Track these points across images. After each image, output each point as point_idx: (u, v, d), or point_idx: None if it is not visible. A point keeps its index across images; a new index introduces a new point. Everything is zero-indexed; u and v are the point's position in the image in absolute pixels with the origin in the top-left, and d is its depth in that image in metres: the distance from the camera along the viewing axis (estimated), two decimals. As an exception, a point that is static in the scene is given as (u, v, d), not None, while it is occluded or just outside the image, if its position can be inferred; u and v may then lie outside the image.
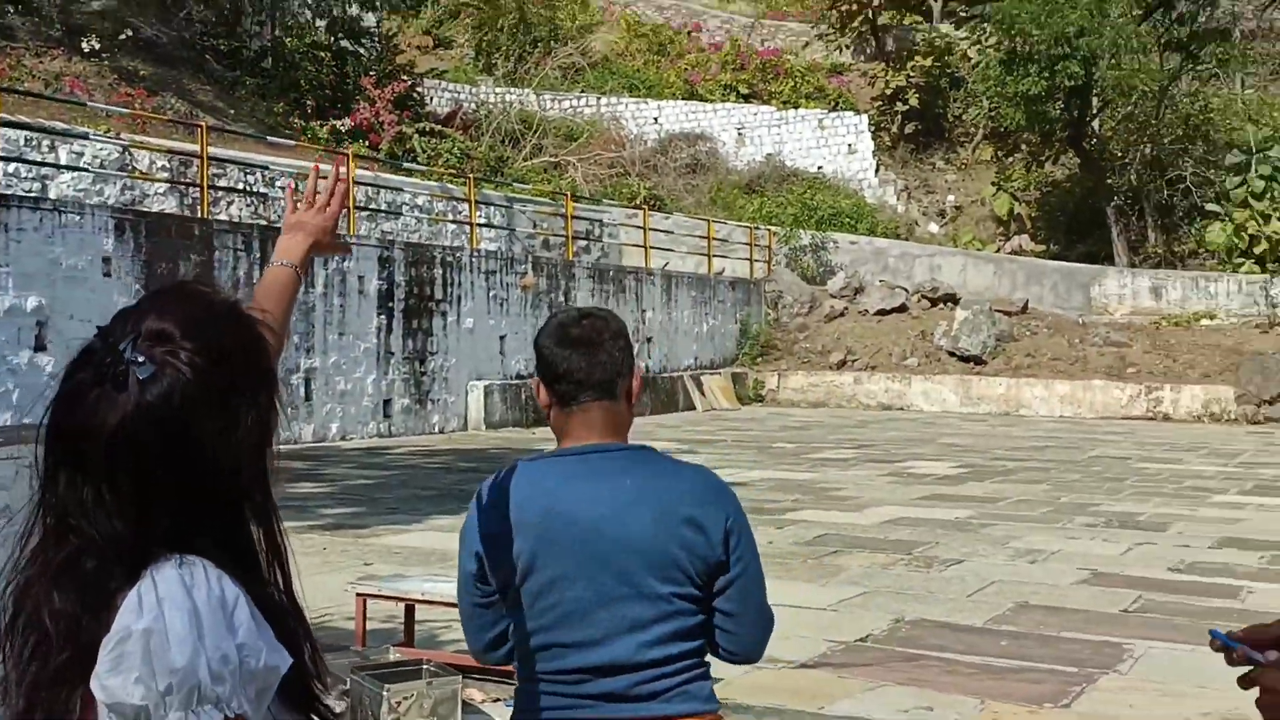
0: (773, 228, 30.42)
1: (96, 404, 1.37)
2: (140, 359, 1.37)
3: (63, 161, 17.22)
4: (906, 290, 27.68)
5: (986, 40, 30.17)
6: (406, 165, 24.33)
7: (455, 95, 34.05)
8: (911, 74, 35.73)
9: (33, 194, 15.85)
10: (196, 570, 1.38)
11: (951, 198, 35.23)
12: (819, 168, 34.81)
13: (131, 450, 1.36)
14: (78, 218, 13.99)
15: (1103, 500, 11.98)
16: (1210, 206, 28.77)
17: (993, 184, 33.13)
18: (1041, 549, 9.20)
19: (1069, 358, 24.87)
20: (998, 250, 31.64)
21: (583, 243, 26.55)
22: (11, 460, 4.72)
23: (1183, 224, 30.56)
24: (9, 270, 13.09)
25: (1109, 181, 30.01)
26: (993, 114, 31.95)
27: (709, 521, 2.38)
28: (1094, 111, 30.05)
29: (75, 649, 1.37)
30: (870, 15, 36.84)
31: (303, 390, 16.97)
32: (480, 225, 23.18)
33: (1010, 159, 33.43)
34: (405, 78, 29.67)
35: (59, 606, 1.38)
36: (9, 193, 14.52)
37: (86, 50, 22.01)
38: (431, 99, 32.76)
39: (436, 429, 19.20)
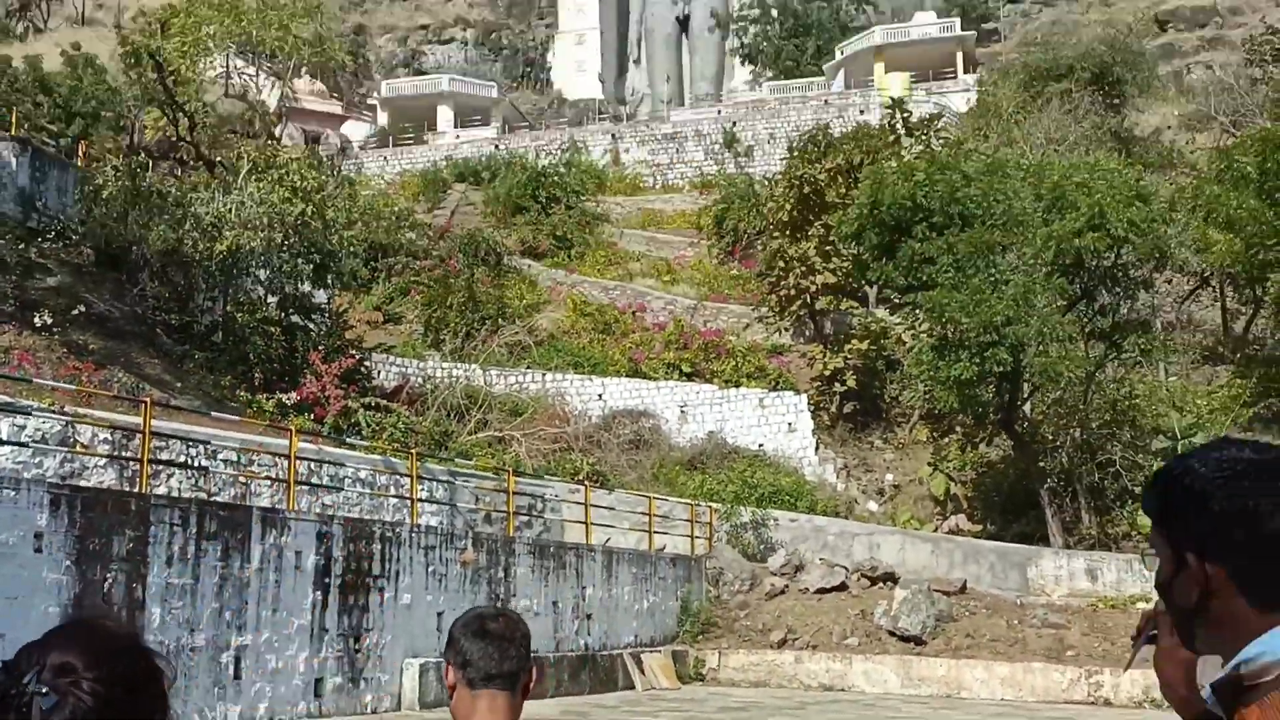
0: (714, 504, 30.69)
1: None
2: (44, 690, 1.50)
3: (3, 435, 17.27)
4: (846, 568, 27.79)
5: (919, 326, 31.34)
6: (350, 439, 24.54)
7: (403, 370, 34.68)
8: (849, 356, 36.89)
9: (-30, 467, 15.84)
10: None
11: (890, 476, 35.80)
12: (760, 445, 35.41)
13: None
14: (12, 493, 13.95)
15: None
16: (1140, 490, 29.39)
17: (929, 464, 33.77)
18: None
19: (1008, 639, 24.86)
20: (935, 529, 32.00)
21: (524, 518, 26.61)
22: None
23: (1115, 506, 31.16)
24: (-62, 545, 12.96)
25: (1041, 464, 30.70)
26: (927, 396, 32.88)
27: None
28: (1024, 396, 31.01)
29: None
30: (809, 300, 38.28)
31: (231, 669, 16.60)
32: (422, 500, 23.25)
33: (945, 440, 34.19)
34: (354, 352, 30.27)
35: None
36: (-54, 466, 14.51)
37: (38, 324, 22.38)
38: (379, 373, 33.34)
39: (370, 709, 18.74)
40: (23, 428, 17.72)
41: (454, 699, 2.97)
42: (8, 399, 18.03)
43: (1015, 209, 30.17)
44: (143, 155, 30.51)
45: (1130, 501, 30.28)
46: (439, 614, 20.67)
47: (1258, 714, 1.66)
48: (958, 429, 33.43)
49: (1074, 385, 30.24)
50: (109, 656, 1.58)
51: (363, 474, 23.63)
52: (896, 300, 33.63)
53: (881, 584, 27.21)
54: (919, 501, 34.21)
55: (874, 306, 39.94)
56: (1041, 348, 28.04)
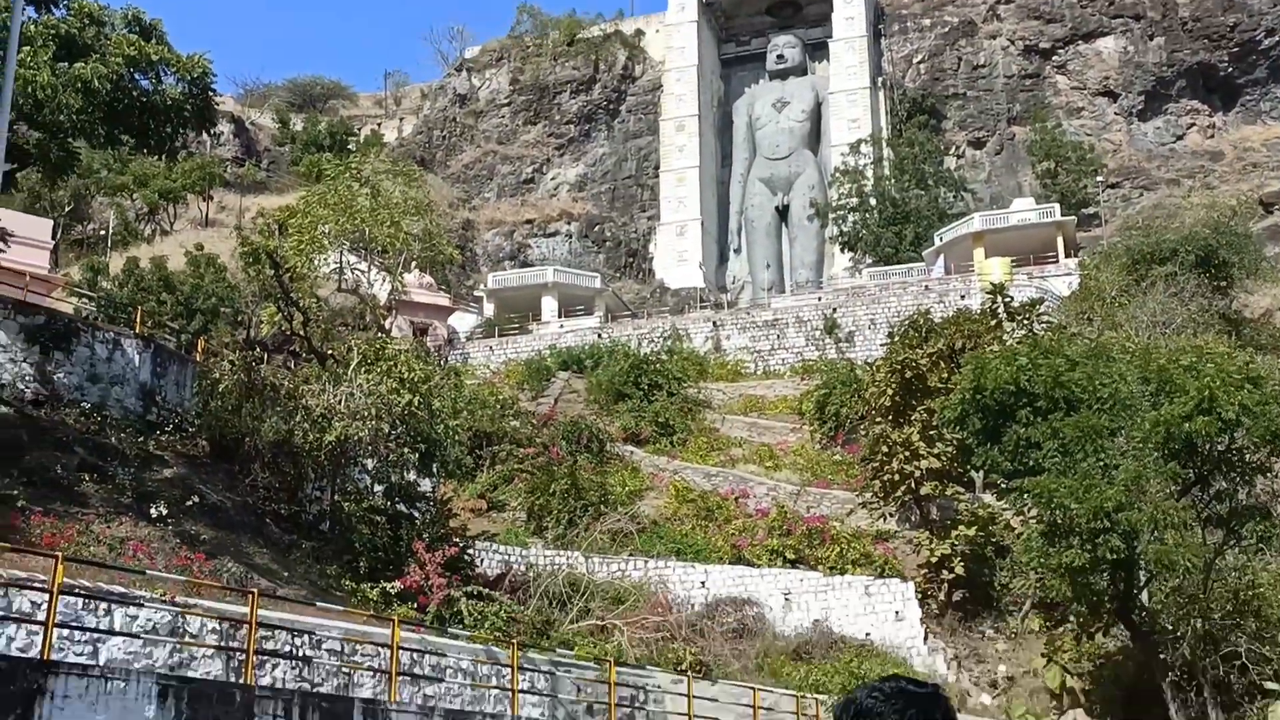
0: (820, 696, 29.90)
1: None
2: None
3: (117, 626, 17.60)
4: (960, 766, 26.74)
5: (1028, 512, 30.72)
6: (452, 629, 24.52)
7: (505, 557, 34.77)
8: (956, 542, 36.17)
9: (83, 656, 16.13)
10: None
11: (1003, 667, 34.66)
12: (866, 634, 34.61)
13: None
14: (122, 685, 14.17)
15: None
16: (1270, 685, 28.08)
17: (1043, 655, 32.66)
18: None
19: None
20: (1053, 724, 30.75)
21: (626, 709, 26.14)
22: None
23: (1243, 701, 29.72)
24: (48, 737, 13.15)
25: (1162, 655, 29.52)
26: (1039, 584, 32.01)
27: None
28: (1141, 584, 30.04)
29: None
30: (913, 485, 37.80)
31: None
32: (523, 691, 23.03)
33: (1059, 629, 33.12)
34: (457, 541, 30.46)
35: None
36: (60, 658, 14.81)
37: (154, 516, 22.96)
38: (482, 561, 33.46)
39: None
40: (135, 618, 18.05)
41: None
42: (123, 589, 18.42)
43: (1121, 393, 29.75)
44: (258, 349, 31.61)
45: (1260, 696, 28.87)
46: (539, 811, 20.27)
47: None
48: (1072, 618, 32.38)
49: (1192, 573, 29.23)
50: None
51: (464, 664, 23.52)
52: (1003, 485, 33.06)
53: (997, 783, 26.08)
54: (1034, 694, 32.98)
55: (980, 492, 39.30)
56: (1156, 534, 27.28)
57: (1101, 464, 27.92)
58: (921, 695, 2.90)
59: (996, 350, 34.78)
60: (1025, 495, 29.30)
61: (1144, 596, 30.81)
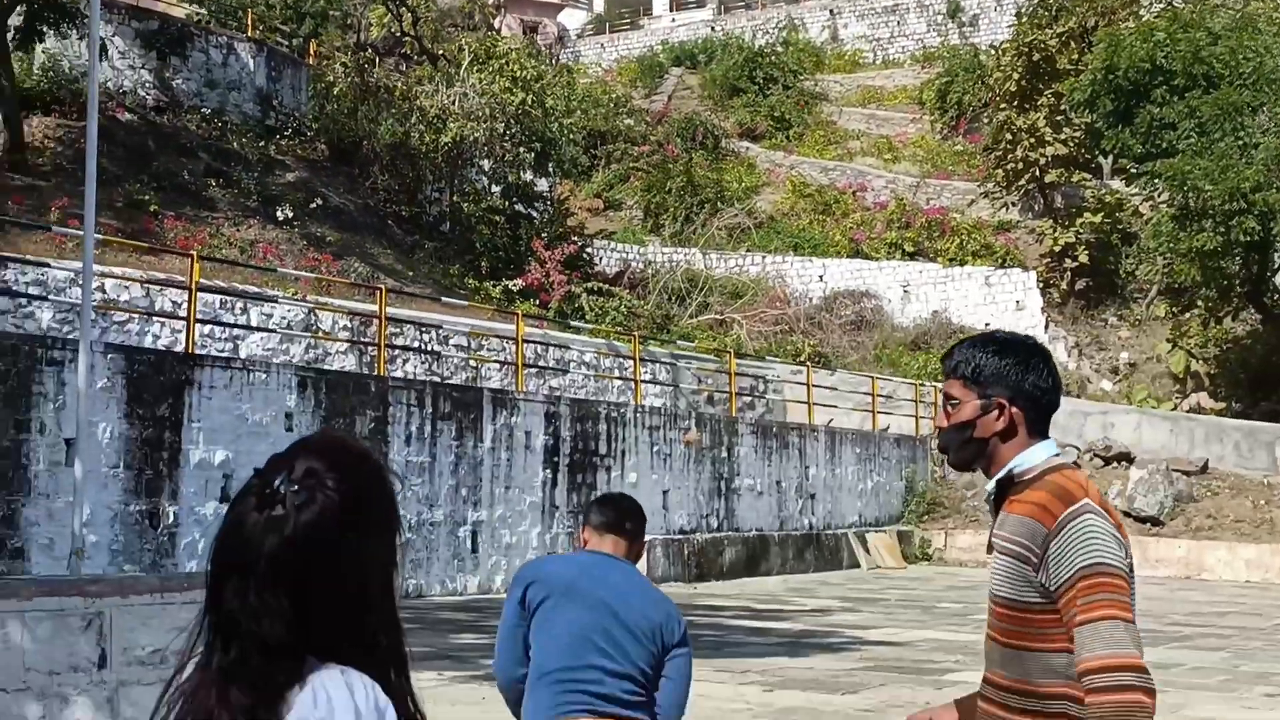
0: (938, 384, 30.16)
1: (259, 527, 1.65)
2: (295, 489, 1.65)
3: (253, 323, 18.29)
4: (1078, 448, 27.02)
5: (1158, 196, 29.82)
6: (575, 323, 25.04)
7: (624, 255, 35.04)
8: (1081, 230, 35.42)
9: (224, 354, 16.84)
10: (355, 679, 1.64)
11: (1125, 354, 34.48)
12: (986, 324, 34.47)
13: (289, 564, 1.64)
14: (264, 376, 14.80)
15: (1286, 671, 11.42)
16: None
17: (1168, 340, 32.35)
18: (1214, 719, 8.82)
19: (1254, 520, 23.84)
20: (1174, 408, 30.73)
21: (746, 399, 26.76)
22: (194, 604, 5.07)
23: (1373, 379, 29.29)
24: (200, 425, 13.89)
25: (1292, 338, 29.03)
26: (1167, 269, 31.38)
27: (677, 621, 3.86)
28: (1274, 267, 29.27)
29: None
30: (1037, 173, 36.79)
31: (469, 542, 17.37)
32: (645, 382, 23.62)
33: (1186, 315, 32.64)
34: (575, 239, 30.72)
35: (235, 700, 1.63)
36: (203, 352, 15.47)
37: (280, 218, 23.44)
38: (601, 259, 33.78)
39: (599, 583, 19.35)
40: (270, 316, 18.71)
41: (585, 544, 4.01)
42: (256, 289, 19.04)
43: (1266, 67, 28.18)
44: (369, 52, 31.32)
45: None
46: (664, 492, 21.10)
47: (1025, 492, 2.71)
48: (1199, 303, 31.81)
49: (1329, 248, 28.35)
50: (350, 464, 1.72)
51: (587, 357, 24.13)
52: (1133, 170, 32.00)
53: (1116, 464, 26.39)
54: (1156, 380, 32.88)
55: (1108, 178, 38.11)
56: (1293, 214, 26.33)
57: (1240, 143, 26.77)
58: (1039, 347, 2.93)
59: (1132, 26, 32.98)
60: (1157, 178, 28.35)
61: (1277, 280, 30.09)
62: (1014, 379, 2.78)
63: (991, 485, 2.79)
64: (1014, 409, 2.77)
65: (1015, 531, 2.68)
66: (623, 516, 4.04)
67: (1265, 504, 24.17)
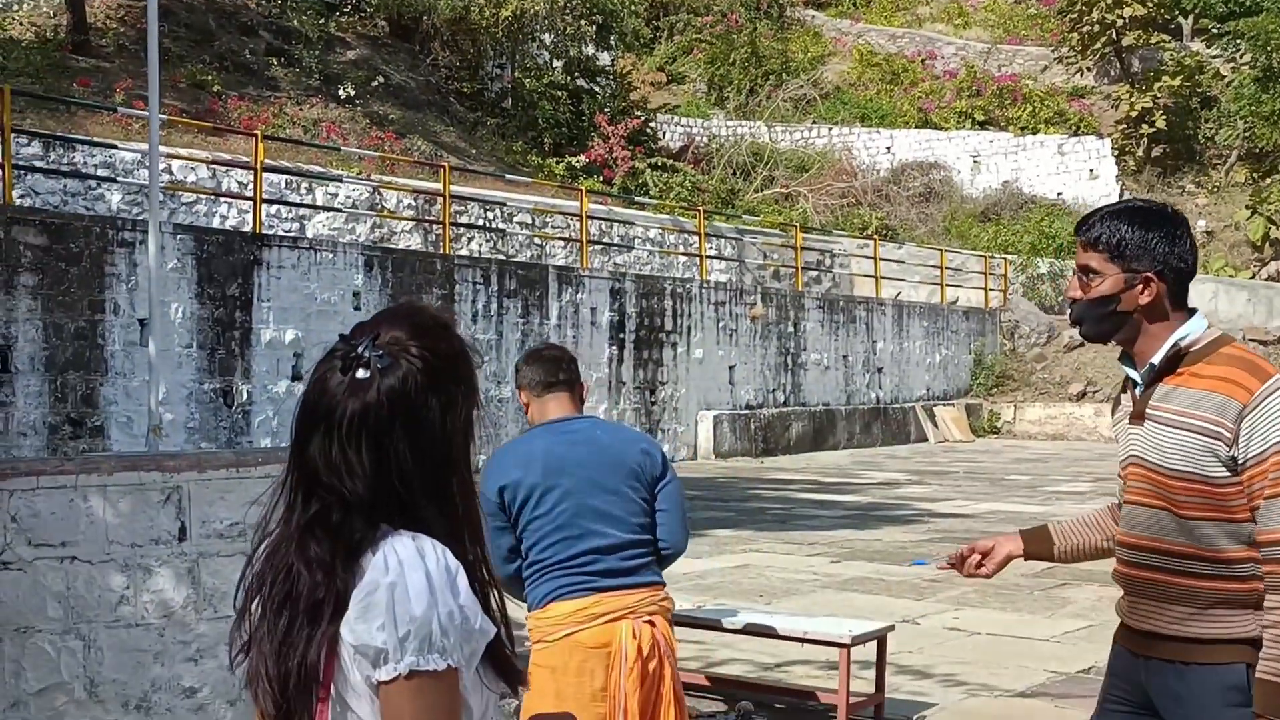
0: (1009, 256, 29.76)
1: (342, 387, 1.69)
2: (380, 353, 1.68)
3: (319, 202, 18.34)
4: (1151, 319, 26.62)
5: (1240, 58, 28.84)
6: (639, 199, 24.88)
7: (687, 129, 34.61)
8: (1158, 95, 34.38)
9: (291, 234, 16.94)
10: (426, 542, 1.67)
11: (1202, 222, 33.69)
12: (1058, 194, 33.86)
13: (371, 425, 1.67)
14: (331, 255, 14.89)
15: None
16: None
17: (1247, 207, 31.55)
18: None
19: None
20: (1252, 276, 30.10)
21: (812, 273, 26.56)
22: (268, 478, 5.16)
23: None
24: (269, 305, 14.04)
25: (1376, 203, 28.19)
26: (1248, 134, 30.50)
27: (654, 452, 3.86)
28: (1359, 129, 28.34)
29: (330, 591, 1.66)
30: (1114, 36, 35.64)
31: (537, 418, 17.51)
32: (710, 257, 23.49)
33: (1267, 181, 31.77)
34: (638, 114, 30.34)
35: (314, 553, 1.67)
36: (270, 233, 15.56)
37: (342, 97, 23.35)
38: (664, 134, 33.40)
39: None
40: (335, 195, 18.75)
41: (529, 413, 3.93)
42: (320, 169, 19.06)
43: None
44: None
45: None
46: (730, 367, 21.12)
47: (1199, 366, 2.72)
48: (1280, 169, 30.97)
49: None
50: (433, 333, 1.76)
51: (652, 233, 24.01)
52: (1214, 30, 30.97)
53: (1190, 334, 25.98)
54: (1234, 248, 32.16)
55: (1188, 39, 36.83)
56: (1382, 74, 25.39)
57: (1327, 0, 25.75)
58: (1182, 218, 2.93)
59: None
60: (1239, 39, 27.46)
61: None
62: (1161, 252, 2.77)
63: (1159, 358, 2.77)
64: (1161, 283, 2.76)
65: (1196, 405, 2.68)
66: (555, 368, 3.95)
67: (1344, 373, 23.73)
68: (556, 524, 3.71)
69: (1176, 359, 2.76)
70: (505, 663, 1.74)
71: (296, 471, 1.70)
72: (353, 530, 1.66)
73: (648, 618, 3.74)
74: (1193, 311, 2.80)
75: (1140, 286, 2.77)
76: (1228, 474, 2.65)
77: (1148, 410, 2.77)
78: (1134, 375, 2.85)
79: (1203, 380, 2.70)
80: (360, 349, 1.69)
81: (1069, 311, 2.88)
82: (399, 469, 1.67)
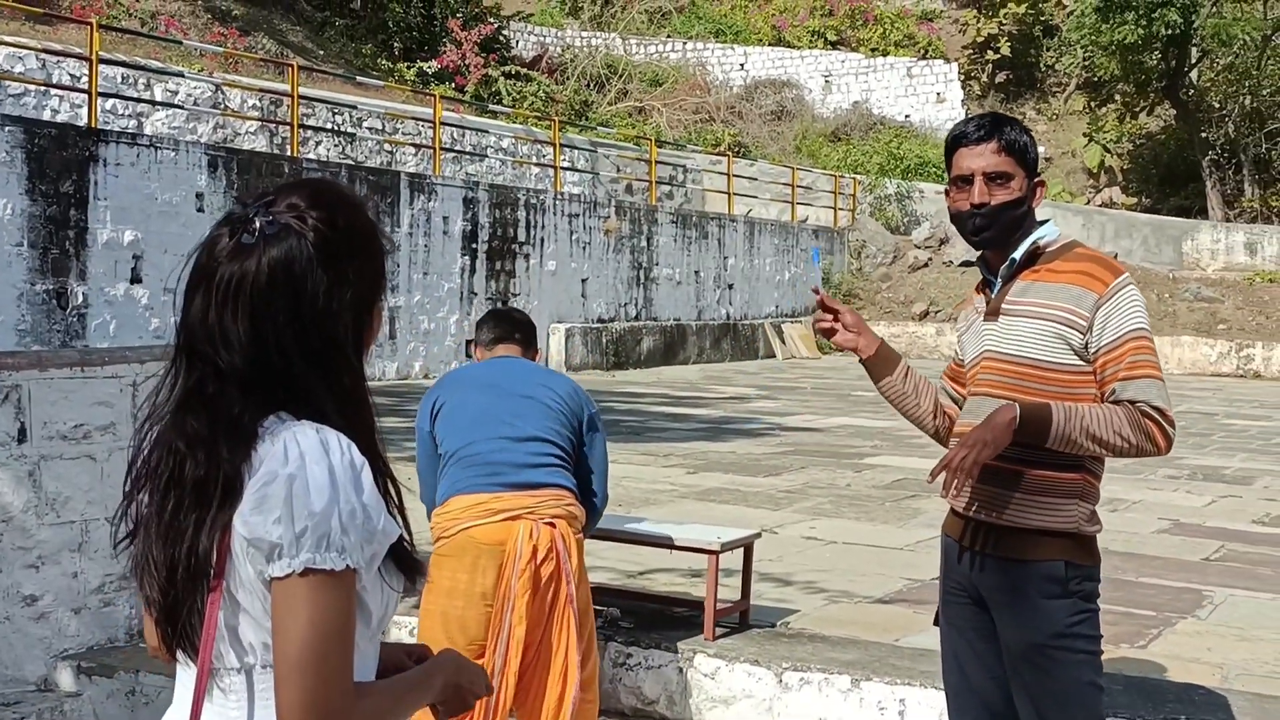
0: (858, 176, 30.16)
1: (225, 251, 1.57)
2: (270, 219, 1.57)
3: (158, 99, 17.52)
4: (992, 241, 27.33)
5: (1082, -13, 29.52)
6: (492, 108, 24.43)
7: (541, 39, 34.07)
8: (1004, 21, 35.08)
9: (129, 131, 16.16)
10: (330, 436, 1.56)
11: (1042, 149, 34.61)
12: (906, 116, 34.39)
13: (250, 291, 1.55)
14: (172, 154, 14.26)
15: (1187, 454, 11.82)
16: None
17: (1084, 135, 32.52)
18: (1122, 498, 9.13)
19: (1158, 313, 24.43)
20: (1087, 202, 31.11)
21: (666, 188, 26.52)
22: (115, 379, 4.90)
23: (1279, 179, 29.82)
24: (106, 204, 13.41)
25: (1205, 134, 29.31)
26: (1087, 63, 31.31)
27: (586, 397, 3.90)
28: (1192, 62, 29.32)
29: (212, 470, 1.54)
30: (963, -39, 36.18)
31: (386, 328, 17.20)
32: (564, 169, 23.25)
33: (1103, 109, 32.76)
34: (492, 20, 29.73)
35: (190, 428, 1.56)
36: (107, 128, 14.82)
37: (181, -10, 22.30)
38: (517, 42, 32.81)
39: (518, 370, 19.37)
40: (175, 92, 17.94)
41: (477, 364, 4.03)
42: (159, 65, 18.20)
43: None
44: None
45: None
46: (583, 280, 21.02)
47: (1055, 263, 2.86)
48: (1117, 98, 31.96)
49: (1248, 50, 28.44)
50: (331, 205, 1.62)
51: (505, 143, 23.63)
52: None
53: (1028, 257, 26.76)
54: (1071, 175, 33.18)
55: (1034, -33, 37.56)
56: (1215, 8, 26.25)
57: (1167, -67, 26.43)
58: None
59: None
60: (1082, -32, 28.04)
61: (1194, 75, 30.18)
62: (1036, 159, 2.95)
63: (1020, 253, 2.89)
64: (1042, 189, 2.96)
65: (1054, 296, 2.82)
66: (512, 327, 4.02)
67: (1170, 297, 24.76)
68: (469, 417, 3.70)
69: (1033, 257, 2.88)
70: (407, 559, 1.65)
71: (180, 342, 1.60)
72: (230, 404, 1.55)
73: (550, 519, 3.64)
74: (1044, 221, 2.93)
75: (1039, 190, 2.92)
76: (1079, 362, 2.80)
77: (1003, 306, 2.88)
78: (989, 277, 2.97)
79: (1059, 275, 2.83)
80: (251, 214, 1.57)
81: (968, 221, 2.85)
82: (278, 343, 1.55)
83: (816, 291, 3.23)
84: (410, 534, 1.68)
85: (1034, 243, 2.88)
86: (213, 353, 1.56)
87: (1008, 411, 2.74)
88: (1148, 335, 2.79)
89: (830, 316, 3.09)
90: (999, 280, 2.93)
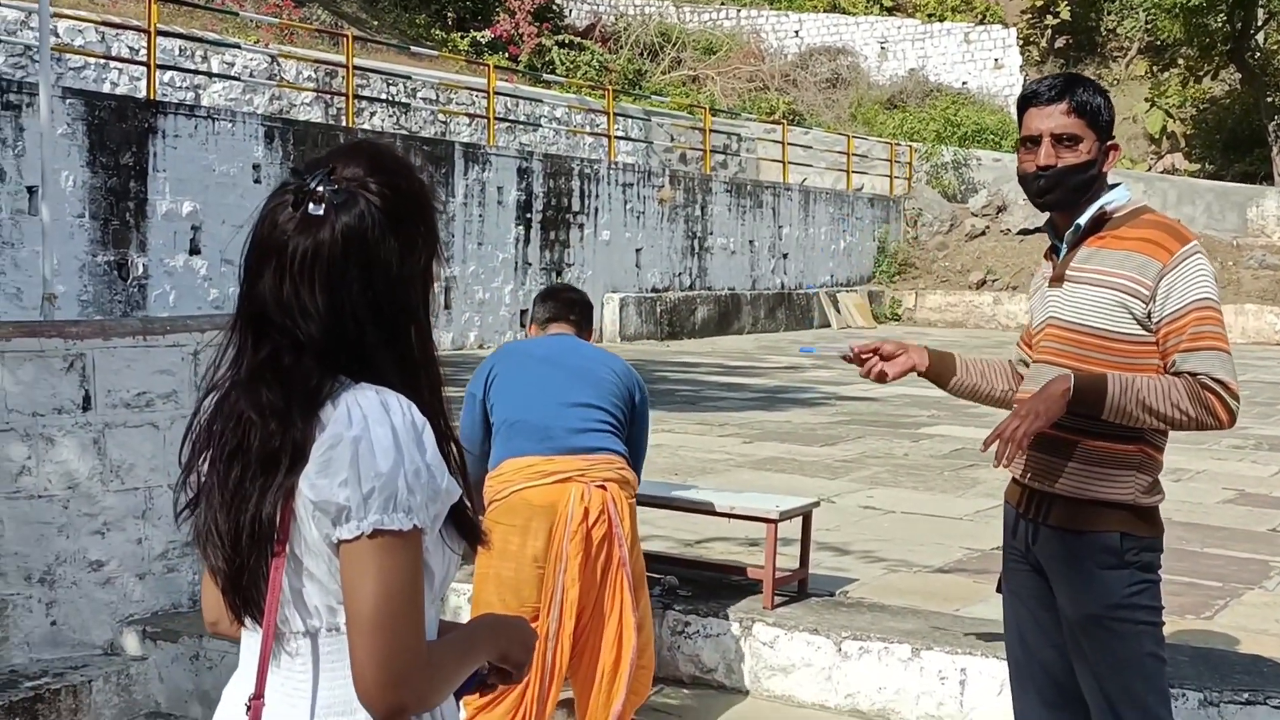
0: (914, 144, 29.85)
1: (293, 223, 1.56)
2: (335, 188, 1.55)
3: (214, 70, 17.64)
4: (1051, 209, 26.96)
5: (1145, -51, 28.98)
6: (546, 77, 24.39)
7: (594, 7, 33.95)
8: (1064, -15, 34.52)
9: (187, 103, 16.29)
10: (391, 396, 1.55)
11: (1102, 115, 34.13)
12: (963, 83, 33.96)
13: (325, 263, 1.54)
14: (230, 125, 14.36)
15: (1252, 424, 11.61)
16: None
17: (1146, 100, 31.97)
18: (1186, 468, 8.99)
19: (1221, 281, 24.01)
20: (1149, 169, 30.62)
21: (720, 157, 26.38)
22: (176, 348, 4.94)
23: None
24: (165, 176, 13.53)
25: (1270, 99, 28.71)
26: (1149, 27, 30.76)
27: (637, 376, 3.96)
28: (1258, 24, 28.70)
29: (286, 440, 1.53)
30: (1022, -76, 35.60)
31: (441, 298, 17.26)
32: (618, 138, 23.18)
33: (1166, 74, 32.19)
34: (545, -12, 29.65)
35: (266, 400, 1.55)
36: (165, 100, 14.94)
37: (238, -39, 22.39)
38: (571, 11, 32.72)
39: (572, 340, 19.38)
40: (232, 64, 18.05)
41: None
42: (216, 36, 18.31)
43: None
44: None
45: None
46: (637, 250, 20.97)
47: (1122, 229, 2.80)
48: (1180, 62, 31.37)
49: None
50: (392, 170, 1.61)
51: (559, 112, 23.59)
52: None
53: (1088, 225, 26.39)
54: (1132, 141, 32.64)
55: (1095, -70, 36.91)
56: (1284, -31, 25.68)
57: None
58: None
59: None
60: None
61: (1260, 37, 29.57)
62: (1112, 121, 2.88)
63: (1085, 219, 2.83)
64: (1115, 152, 2.88)
65: (1119, 265, 2.77)
66: (567, 307, 4.05)
67: (1233, 265, 24.35)
68: (523, 387, 3.75)
69: (1100, 222, 2.82)
70: (467, 522, 1.65)
71: (246, 313, 1.58)
72: (308, 375, 1.54)
73: (601, 482, 3.64)
74: (1114, 185, 2.86)
75: (1111, 153, 2.85)
76: (1141, 331, 2.75)
77: (1068, 272, 2.83)
78: (1056, 242, 2.92)
79: (1125, 242, 2.77)
80: (314, 183, 1.55)
81: (1033, 183, 2.81)
82: (353, 312, 1.55)
83: (846, 358, 3.08)
84: (471, 496, 1.67)
85: (1100, 208, 2.82)
86: (290, 325, 1.55)
87: (1062, 382, 2.70)
88: (1213, 305, 2.72)
89: (872, 359, 3.03)
90: (1064, 246, 2.87)
